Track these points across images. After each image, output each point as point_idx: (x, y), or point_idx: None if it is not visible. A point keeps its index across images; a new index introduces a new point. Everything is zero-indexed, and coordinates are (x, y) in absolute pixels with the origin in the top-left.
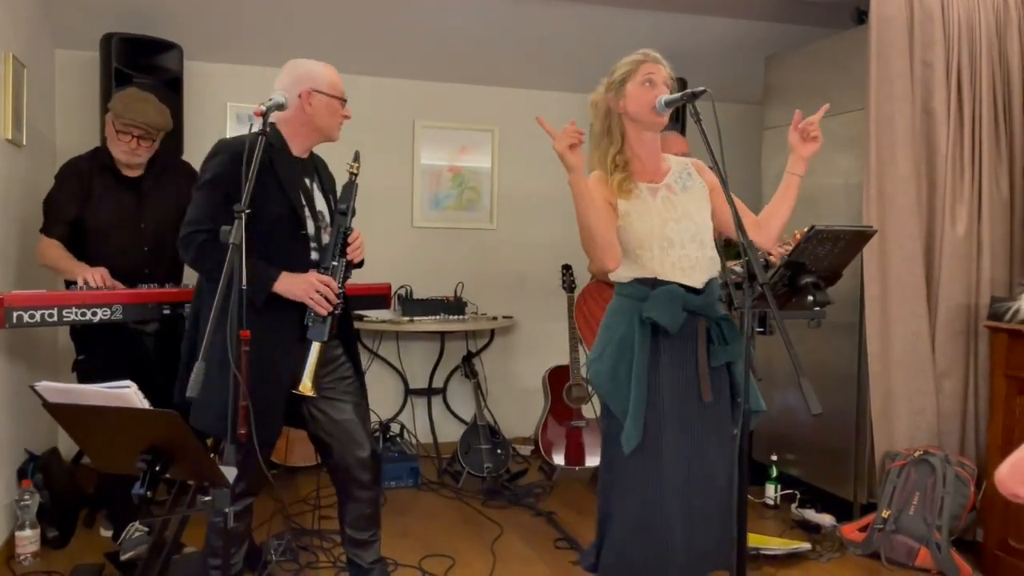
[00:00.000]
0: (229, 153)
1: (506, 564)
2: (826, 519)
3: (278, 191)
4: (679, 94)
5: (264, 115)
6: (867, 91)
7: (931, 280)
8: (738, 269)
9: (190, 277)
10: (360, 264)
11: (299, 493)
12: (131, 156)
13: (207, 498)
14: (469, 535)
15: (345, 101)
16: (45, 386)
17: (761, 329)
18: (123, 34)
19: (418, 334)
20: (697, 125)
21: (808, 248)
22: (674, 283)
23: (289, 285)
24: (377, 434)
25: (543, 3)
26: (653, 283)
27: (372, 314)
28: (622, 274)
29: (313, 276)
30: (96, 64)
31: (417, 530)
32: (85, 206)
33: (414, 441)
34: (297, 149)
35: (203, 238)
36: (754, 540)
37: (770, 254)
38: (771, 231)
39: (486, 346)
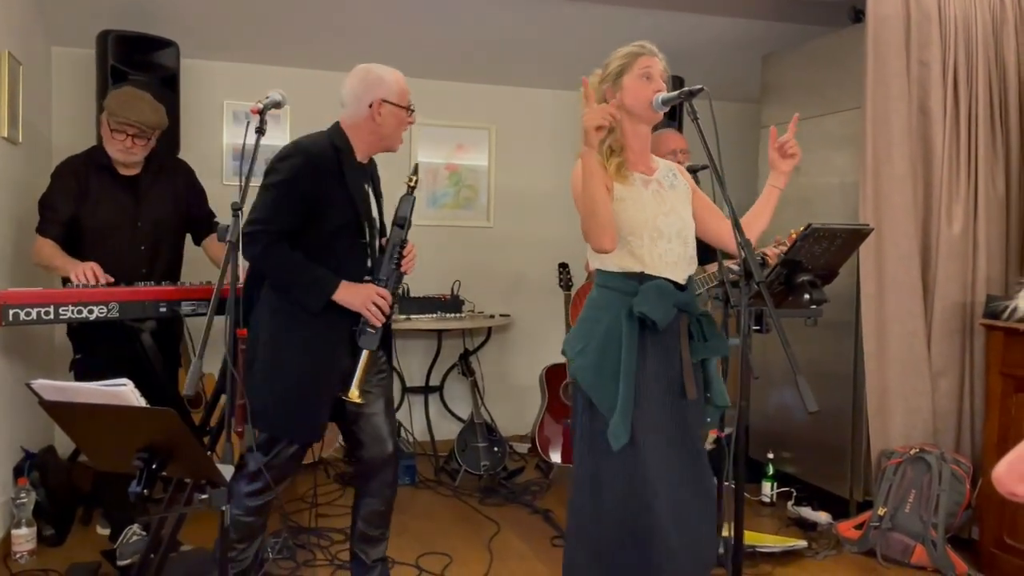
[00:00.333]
0: (303, 156)
1: (503, 562)
2: (822, 517)
3: (345, 199)
4: (676, 92)
5: (261, 113)
6: (863, 90)
7: (927, 279)
8: (735, 267)
9: (187, 276)
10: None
11: (296, 491)
12: (126, 155)
13: (204, 496)
14: (466, 533)
15: (412, 110)
16: (42, 384)
17: (758, 327)
18: (119, 31)
19: (415, 332)
20: (694, 123)
21: (804, 246)
22: (662, 278)
23: (348, 295)
24: None
25: (540, 1)
26: (640, 277)
27: None
28: (609, 263)
29: (371, 288)
30: (92, 61)
31: (414, 528)
32: (81, 206)
33: (411, 439)
34: (360, 155)
35: (269, 239)
36: (750, 538)
37: (766, 254)
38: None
39: (483, 344)
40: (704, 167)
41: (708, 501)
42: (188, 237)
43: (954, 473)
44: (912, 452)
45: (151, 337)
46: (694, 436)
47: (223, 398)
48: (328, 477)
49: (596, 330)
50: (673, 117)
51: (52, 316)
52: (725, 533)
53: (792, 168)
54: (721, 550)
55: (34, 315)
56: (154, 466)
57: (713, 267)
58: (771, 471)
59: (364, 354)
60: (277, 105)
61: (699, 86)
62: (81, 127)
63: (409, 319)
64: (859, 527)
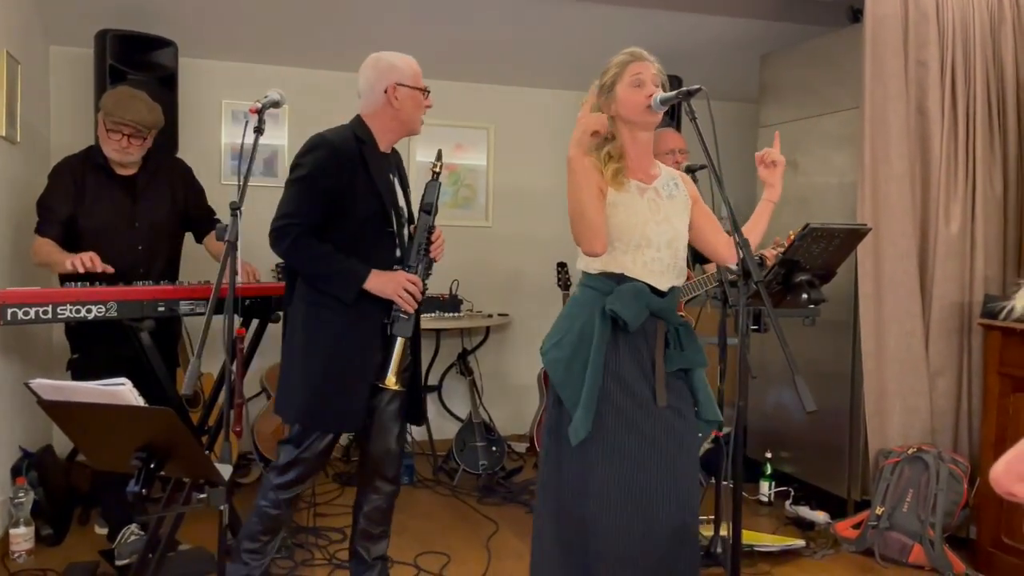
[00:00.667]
0: (327, 149)
1: (501, 561)
2: (820, 516)
3: (370, 189)
4: (674, 92)
5: (259, 112)
6: (862, 90)
7: (925, 278)
8: (733, 267)
9: (185, 275)
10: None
11: None
12: (123, 154)
13: (202, 495)
14: (465, 532)
15: (428, 92)
16: (40, 383)
17: (756, 327)
18: (117, 31)
19: None
20: (692, 123)
21: (802, 246)
22: (641, 282)
23: (379, 283)
24: None
25: (539, 1)
26: (620, 279)
27: None
28: (592, 265)
29: (402, 275)
30: (90, 61)
31: (413, 527)
32: (78, 206)
33: (410, 439)
34: (384, 145)
35: (297, 232)
36: (748, 537)
37: (764, 255)
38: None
39: (481, 343)
40: (702, 167)
41: (680, 509)
42: (187, 236)
43: (952, 473)
44: (910, 451)
45: (149, 336)
46: (671, 445)
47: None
48: (327, 476)
49: (572, 326)
50: (672, 117)
51: (50, 315)
52: (723, 532)
53: (780, 177)
54: (719, 549)
55: (32, 314)
56: (152, 465)
57: (712, 267)
58: (769, 470)
59: (399, 342)
60: (276, 104)
61: (697, 86)
62: (79, 126)
63: None
64: (857, 526)
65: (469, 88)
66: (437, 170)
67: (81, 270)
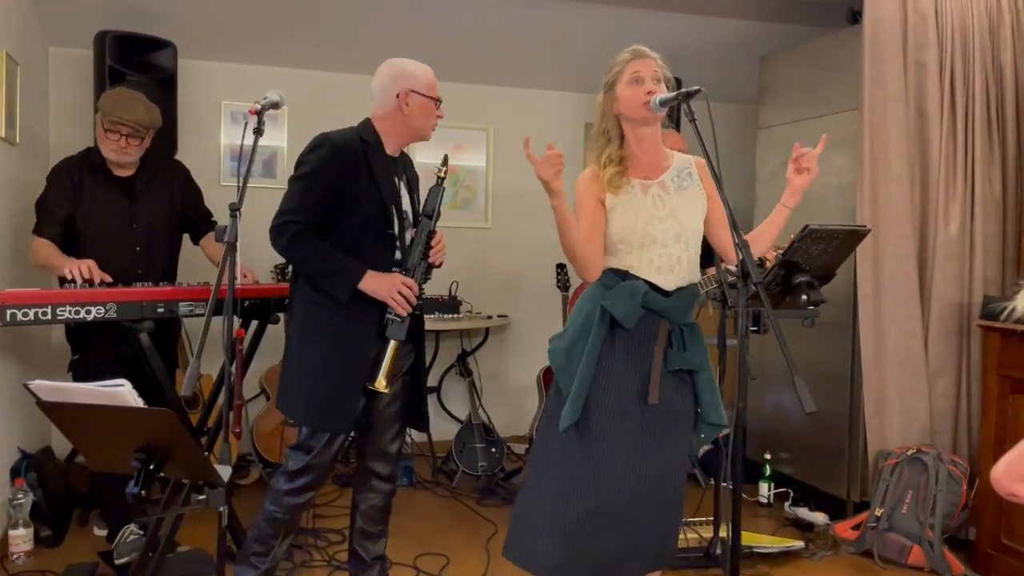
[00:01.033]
0: (330, 147)
1: (500, 563)
2: (819, 517)
3: (372, 190)
4: (674, 93)
5: (259, 113)
6: (861, 91)
7: (924, 279)
8: (732, 268)
9: (184, 276)
10: (439, 265)
11: None
12: (120, 155)
13: (201, 497)
14: (464, 534)
15: (440, 102)
16: (39, 384)
17: (755, 328)
18: (117, 32)
19: None
20: (692, 124)
21: (802, 247)
22: (643, 280)
23: (374, 284)
24: None
25: (538, 2)
26: (624, 275)
27: None
28: (605, 261)
29: (397, 277)
30: (90, 62)
31: (412, 529)
32: (77, 207)
33: (409, 440)
34: (391, 147)
35: (296, 229)
36: (748, 538)
37: (765, 258)
38: (757, 250)
39: (481, 345)
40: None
41: (665, 508)
42: (185, 238)
43: (951, 474)
44: (909, 453)
45: (148, 338)
46: (665, 444)
47: (220, 399)
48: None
49: (576, 319)
50: (671, 118)
51: (49, 316)
52: (723, 533)
53: (806, 185)
54: (719, 551)
55: (31, 316)
56: (152, 467)
57: (712, 270)
58: (768, 472)
59: (391, 344)
60: (275, 106)
61: (696, 87)
62: (78, 127)
63: None
64: (856, 528)
65: (468, 89)
66: (442, 175)
67: (79, 280)
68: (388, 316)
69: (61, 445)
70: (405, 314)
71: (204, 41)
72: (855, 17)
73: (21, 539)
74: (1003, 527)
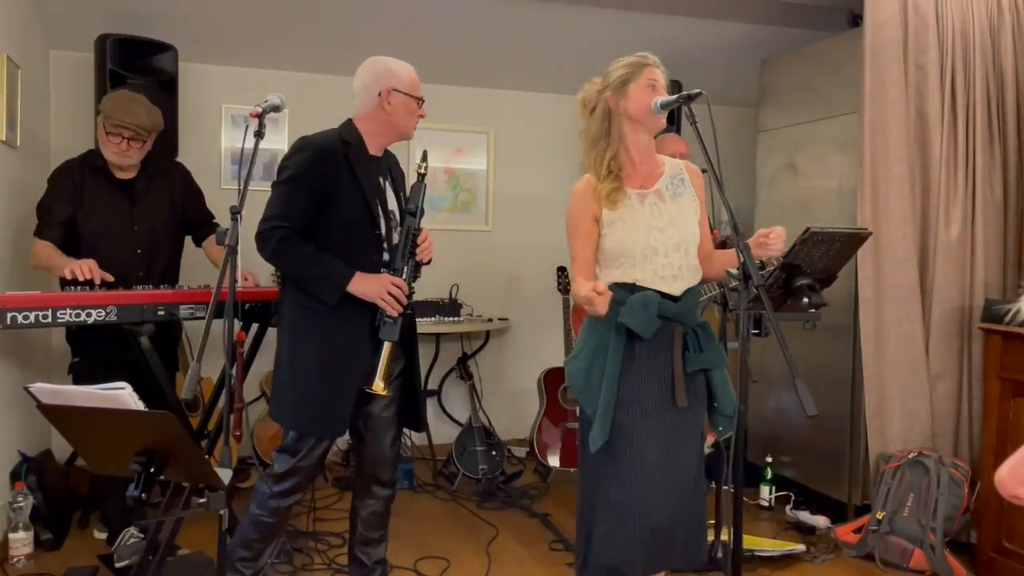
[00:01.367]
0: (311, 151)
1: (501, 566)
2: (820, 521)
3: (356, 192)
4: (675, 96)
5: (260, 116)
6: (861, 95)
7: (925, 282)
8: (733, 271)
9: (185, 279)
10: (429, 262)
11: None
12: (122, 158)
13: (202, 500)
14: (464, 537)
15: (422, 101)
16: (40, 387)
17: (756, 331)
18: (118, 35)
19: None
20: (692, 127)
21: (803, 250)
22: (652, 290)
23: (362, 286)
24: None
25: (539, 6)
26: (632, 288)
27: None
28: (606, 276)
29: (386, 278)
30: (91, 65)
31: (412, 532)
32: (78, 209)
33: (409, 443)
34: (373, 148)
35: (282, 234)
36: (749, 542)
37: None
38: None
39: (481, 348)
40: (703, 171)
41: (696, 511)
42: (188, 240)
43: (952, 477)
44: (910, 456)
45: (149, 340)
46: (686, 445)
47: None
48: (326, 481)
49: (589, 338)
50: (672, 122)
51: (50, 319)
52: (724, 537)
53: (765, 257)
54: (720, 554)
55: (32, 318)
56: (152, 470)
57: None
58: (769, 475)
59: (386, 346)
60: (276, 109)
61: (697, 90)
62: (79, 131)
63: None
64: (857, 531)
65: (469, 92)
66: (422, 171)
67: (80, 279)
68: (380, 317)
69: (61, 448)
70: (396, 314)
71: (205, 44)
72: (855, 20)
73: (21, 542)
74: (1005, 530)
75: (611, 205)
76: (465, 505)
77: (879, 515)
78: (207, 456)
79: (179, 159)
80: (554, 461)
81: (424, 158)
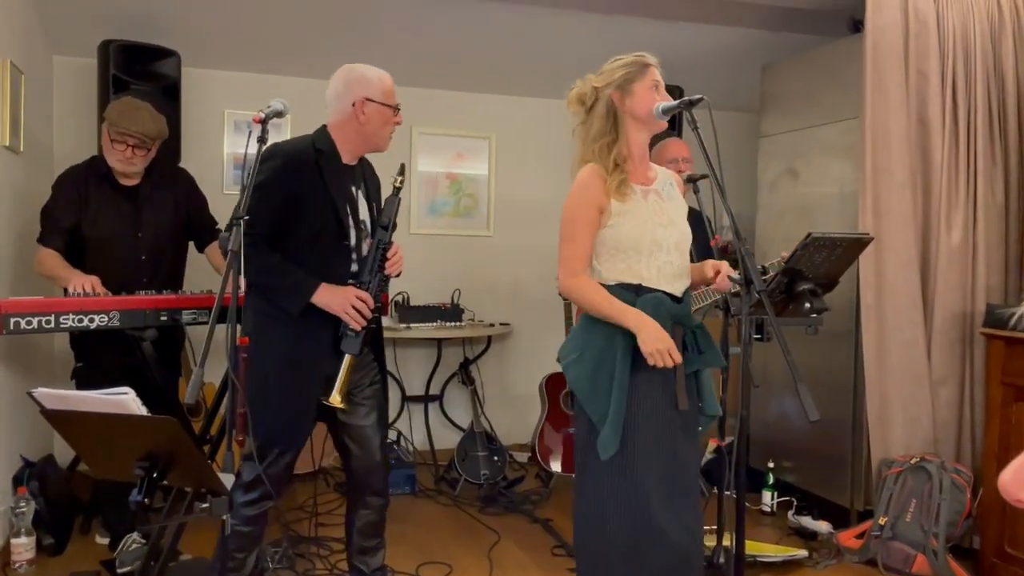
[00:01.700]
0: (281, 158)
1: (503, 571)
2: (823, 526)
3: (325, 200)
4: (676, 102)
5: (263, 122)
6: (862, 100)
7: (927, 288)
8: (735, 276)
9: (189, 284)
10: (398, 275)
11: (296, 500)
12: (126, 165)
13: (205, 505)
14: (466, 542)
15: (398, 109)
16: (43, 392)
17: (759, 336)
18: (121, 41)
19: (415, 341)
20: (694, 133)
21: (805, 255)
22: (659, 290)
23: (327, 297)
24: None
25: (540, 11)
26: (637, 289)
27: None
28: (607, 276)
29: (351, 291)
30: (94, 71)
31: (414, 537)
32: (82, 215)
33: (411, 448)
34: (347, 156)
35: (248, 242)
36: (751, 547)
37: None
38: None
39: (483, 353)
40: (703, 176)
41: (696, 512)
42: (191, 245)
43: (954, 482)
44: (912, 461)
45: (152, 346)
46: (687, 446)
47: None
48: (328, 487)
49: (592, 340)
50: (673, 127)
51: (53, 325)
52: (726, 543)
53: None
54: (722, 560)
55: (35, 324)
56: (155, 475)
57: None
58: (771, 480)
59: (347, 359)
60: (279, 114)
61: (699, 96)
62: (82, 136)
63: (409, 328)
64: (860, 536)
65: (470, 98)
66: (398, 185)
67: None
68: (343, 330)
69: (63, 453)
70: (359, 329)
71: (208, 50)
72: (856, 26)
73: (23, 547)
74: (1007, 536)
75: (620, 197)
76: (467, 510)
77: (881, 520)
78: (209, 461)
79: (182, 165)
80: (556, 466)
81: (401, 171)
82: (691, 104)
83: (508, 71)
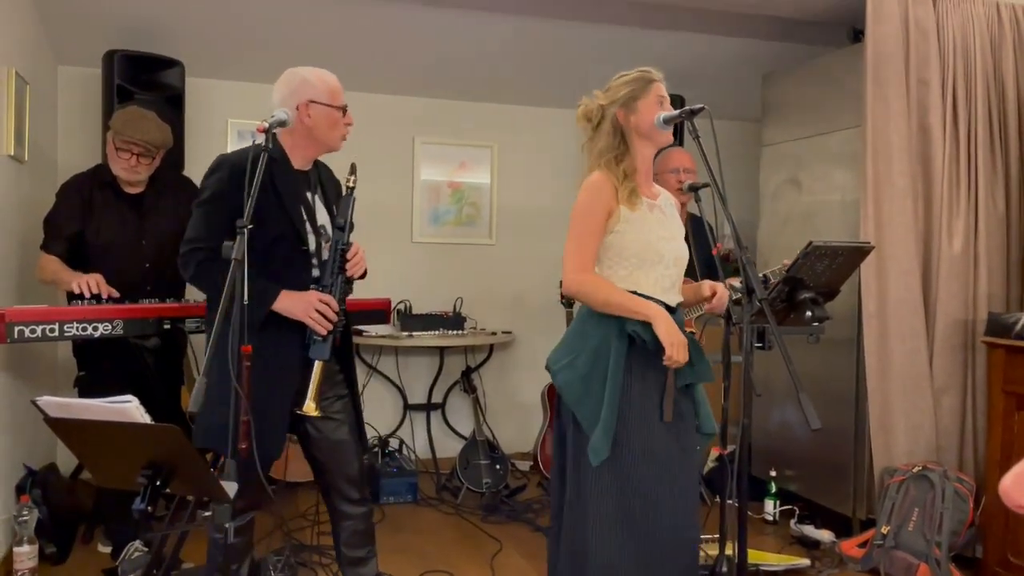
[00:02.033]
0: (228, 169)
1: None
2: (825, 535)
3: (278, 208)
4: (678, 111)
5: (267, 131)
6: (863, 109)
7: (928, 296)
8: (737, 285)
9: (192, 292)
10: (363, 276)
11: (298, 508)
12: (131, 173)
13: (207, 513)
14: (468, 551)
15: (346, 109)
16: (47, 401)
17: (760, 344)
18: (125, 51)
19: (417, 349)
20: (696, 142)
21: (806, 264)
22: (655, 299)
23: (288, 304)
24: (376, 449)
25: (542, 21)
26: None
27: (371, 329)
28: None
29: (313, 295)
30: (98, 81)
31: (416, 546)
32: (86, 223)
33: (413, 457)
34: (298, 162)
35: (202, 256)
36: (753, 556)
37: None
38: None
39: (485, 361)
40: (705, 185)
41: (690, 527)
42: None
43: (957, 491)
44: (915, 470)
45: (154, 354)
46: (682, 458)
47: None
48: None
49: (585, 345)
50: (675, 136)
51: (57, 333)
52: (728, 551)
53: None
54: (724, 569)
55: (39, 332)
56: (158, 483)
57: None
58: (773, 489)
59: (316, 365)
60: (282, 124)
61: (700, 105)
62: (87, 146)
63: (411, 336)
64: (862, 545)
65: (472, 107)
66: (351, 184)
67: (87, 294)
68: (309, 336)
69: (66, 461)
70: (325, 333)
71: (211, 60)
72: (857, 36)
73: (26, 556)
74: (1010, 545)
75: (630, 205)
76: (469, 519)
77: (884, 529)
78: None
79: (185, 173)
80: None
81: (353, 171)
82: (692, 114)
83: (510, 80)
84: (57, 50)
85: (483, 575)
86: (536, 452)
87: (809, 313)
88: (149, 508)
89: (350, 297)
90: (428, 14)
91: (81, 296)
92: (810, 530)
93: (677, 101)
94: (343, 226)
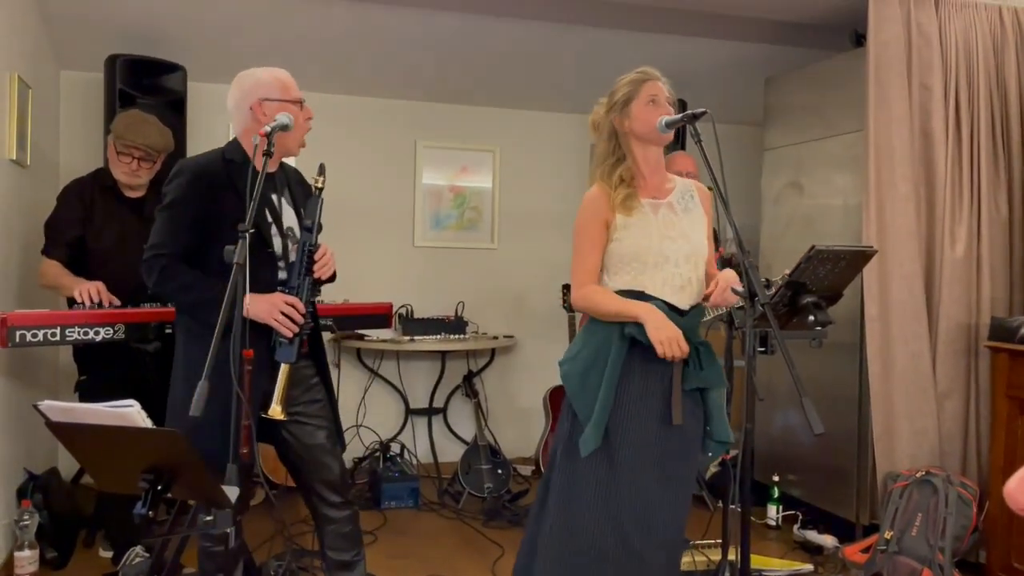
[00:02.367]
0: (188, 174)
1: None
2: (828, 540)
3: (241, 211)
4: (680, 115)
5: (268, 136)
6: (866, 113)
7: (931, 300)
8: (739, 289)
9: None
10: (332, 279)
11: (299, 514)
12: (132, 177)
13: (209, 518)
14: (470, 556)
15: (302, 103)
16: (49, 405)
17: (763, 349)
18: (127, 55)
19: (419, 353)
20: (697, 146)
21: (808, 268)
22: (660, 300)
23: (253, 306)
24: (377, 454)
25: (544, 25)
26: (638, 297)
27: (373, 333)
28: (613, 286)
29: (278, 297)
30: (100, 85)
31: (417, 551)
32: (87, 227)
33: (414, 461)
34: (260, 163)
35: (164, 262)
36: (756, 561)
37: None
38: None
39: (487, 366)
40: (708, 189)
41: (678, 526)
42: None
43: (961, 496)
44: (918, 475)
45: (156, 358)
46: (678, 463)
47: None
48: None
49: (589, 341)
50: (677, 140)
51: (58, 337)
52: (731, 557)
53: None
54: (727, 574)
55: (40, 336)
56: (159, 487)
57: None
58: (776, 494)
59: (282, 368)
60: (284, 128)
61: (702, 109)
62: (89, 150)
63: (413, 340)
64: (866, 551)
65: (474, 111)
66: (320, 185)
67: (88, 304)
68: (275, 339)
69: (67, 466)
70: (291, 335)
71: (214, 64)
72: (859, 40)
73: (27, 560)
74: (1014, 550)
75: (625, 211)
76: (470, 524)
77: (887, 535)
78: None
79: None
80: None
81: (321, 171)
82: (695, 117)
83: (512, 85)
84: (59, 54)
85: None
86: (538, 456)
87: (812, 317)
88: (150, 513)
89: (353, 301)
90: (430, 19)
91: (82, 303)
92: (813, 535)
93: (679, 105)
94: (311, 227)
